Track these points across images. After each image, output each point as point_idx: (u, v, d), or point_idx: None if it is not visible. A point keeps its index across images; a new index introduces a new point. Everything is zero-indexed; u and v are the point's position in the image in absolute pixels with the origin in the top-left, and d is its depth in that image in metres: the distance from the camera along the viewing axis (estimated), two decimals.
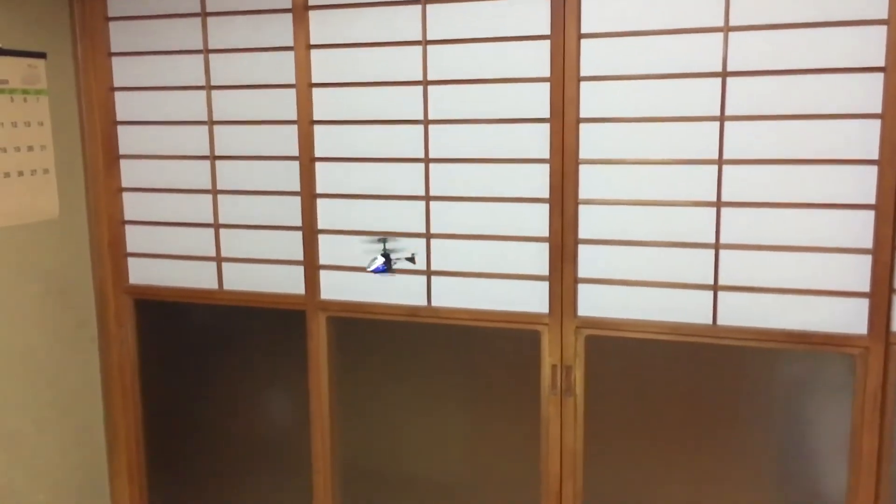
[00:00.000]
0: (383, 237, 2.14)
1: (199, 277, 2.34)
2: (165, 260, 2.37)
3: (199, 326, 2.41)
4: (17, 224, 2.12)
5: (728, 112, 1.81)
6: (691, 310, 1.90)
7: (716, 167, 1.84)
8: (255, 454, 2.40)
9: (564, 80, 1.90)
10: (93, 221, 2.36)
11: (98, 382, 2.43)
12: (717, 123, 1.82)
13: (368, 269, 2.15)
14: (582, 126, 1.92)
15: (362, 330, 2.22)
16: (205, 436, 2.45)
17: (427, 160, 2.06)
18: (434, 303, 2.12)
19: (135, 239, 2.40)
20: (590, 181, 1.94)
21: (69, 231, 2.29)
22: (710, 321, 1.89)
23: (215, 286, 2.33)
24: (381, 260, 2.16)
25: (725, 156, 1.83)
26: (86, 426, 2.38)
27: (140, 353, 2.46)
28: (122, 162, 2.37)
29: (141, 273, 2.41)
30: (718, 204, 1.85)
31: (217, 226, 2.30)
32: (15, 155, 2.10)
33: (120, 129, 2.35)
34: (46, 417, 2.23)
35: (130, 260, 2.41)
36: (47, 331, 2.23)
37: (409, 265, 2.12)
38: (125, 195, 2.38)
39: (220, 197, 2.28)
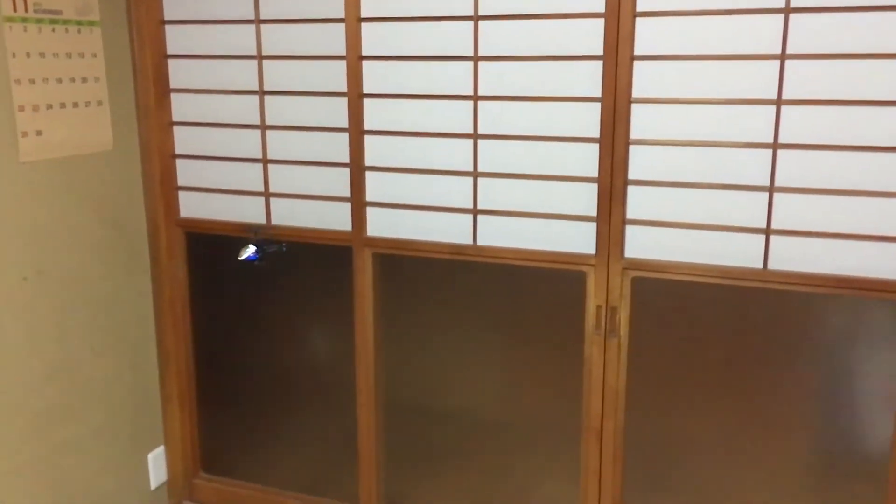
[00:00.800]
0: (257, 227, 2.27)
1: (248, 212, 2.37)
2: (215, 194, 2.40)
3: (247, 260, 2.45)
4: (73, 154, 2.16)
5: (789, 50, 1.76)
6: (741, 253, 1.88)
7: (773, 107, 1.79)
8: (300, 386, 2.46)
9: (619, 16, 1.85)
10: (144, 154, 2.39)
11: (150, 312, 2.50)
12: (777, 62, 1.77)
13: (240, 258, 2.28)
14: (636, 64, 1.88)
15: (407, 267, 2.24)
16: (252, 366, 2.52)
17: (476, 98, 2.04)
18: (479, 242, 2.13)
19: (185, 173, 2.43)
20: (641, 121, 1.91)
21: (122, 163, 2.33)
22: (760, 265, 1.86)
23: (264, 221, 2.36)
24: (252, 249, 2.30)
25: (784, 96, 1.78)
26: (139, 354, 2.47)
27: (190, 285, 2.53)
28: (173, 96, 2.39)
29: (191, 207, 2.45)
30: (775, 146, 1.80)
31: (265, 161, 2.32)
32: (70, 86, 2.13)
33: (171, 62, 2.36)
34: (102, 344, 2.31)
35: (181, 193, 2.45)
36: (103, 260, 2.29)
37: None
38: (176, 129, 2.41)
39: (268, 132, 2.30)
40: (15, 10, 1.96)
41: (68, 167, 2.15)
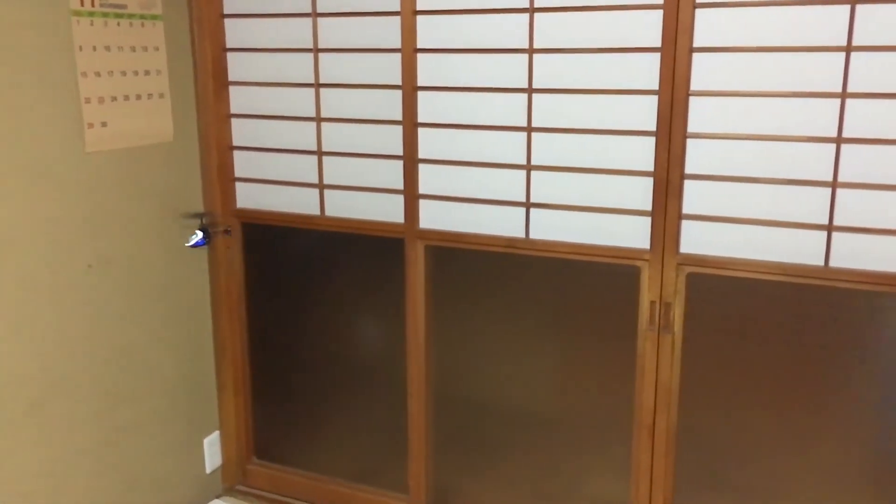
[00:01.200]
0: (201, 214, 2.32)
1: (302, 203, 2.41)
2: (271, 185, 2.44)
3: (301, 251, 2.49)
4: (135, 146, 2.22)
5: (855, 42, 1.71)
6: (802, 250, 1.83)
7: (838, 101, 1.74)
8: (352, 376, 2.49)
9: (679, 6, 1.82)
10: (203, 146, 2.45)
11: (207, 301, 2.56)
12: (843, 54, 1.72)
13: (188, 244, 2.34)
14: (695, 55, 1.85)
15: (459, 259, 2.25)
16: (305, 356, 2.56)
17: (530, 90, 2.04)
18: (532, 235, 2.12)
19: (242, 164, 2.48)
20: (699, 114, 1.88)
21: (181, 154, 2.39)
22: (821, 262, 1.82)
23: (317, 212, 2.39)
24: (199, 235, 2.36)
25: (849, 89, 1.73)
26: (196, 341, 2.53)
27: (246, 274, 2.58)
28: (231, 88, 2.43)
29: (247, 197, 2.49)
30: (839, 140, 1.76)
31: (320, 153, 2.35)
32: (133, 79, 2.18)
33: (229, 55, 2.41)
34: (161, 330, 2.37)
35: (238, 185, 2.50)
36: (163, 249, 2.35)
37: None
38: (233, 121, 2.46)
39: (323, 125, 2.32)
40: (82, 4, 2.02)
41: (131, 158, 2.21)
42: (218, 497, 2.64)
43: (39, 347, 2.00)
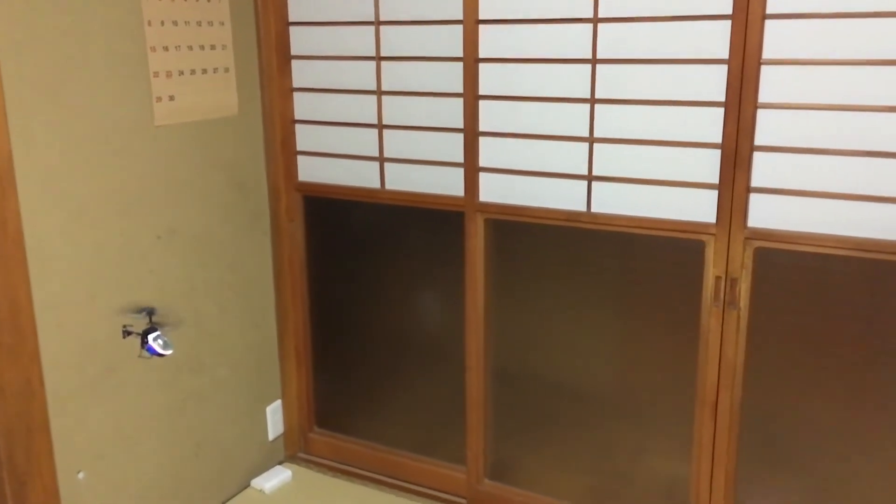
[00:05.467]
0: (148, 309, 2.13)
1: (363, 176, 2.43)
2: (332, 159, 2.47)
3: (361, 224, 2.52)
4: (202, 119, 2.26)
5: None
6: (878, 224, 1.77)
7: None
8: (411, 348, 2.52)
9: None
10: (266, 119, 2.48)
11: (270, 272, 2.61)
12: None
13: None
14: (767, 22, 1.79)
15: (519, 233, 2.24)
16: (365, 328, 2.59)
17: (594, 61, 2.00)
18: (594, 209, 2.10)
19: (304, 138, 2.51)
20: (771, 83, 1.81)
21: (246, 128, 2.43)
22: None
23: (378, 185, 2.41)
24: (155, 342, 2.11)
25: None
26: (260, 311, 2.58)
27: (308, 246, 2.61)
28: (294, 62, 2.45)
29: (309, 171, 2.52)
30: None
31: (381, 126, 2.35)
32: (199, 53, 2.22)
33: (292, 29, 2.43)
34: (227, 300, 2.43)
35: (300, 158, 2.53)
36: (228, 220, 2.40)
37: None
38: (296, 95, 2.48)
39: (384, 98, 2.33)
40: None
41: (197, 131, 2.26)
42: (280, 463, 2.71)
43: (112, 315, 2.07)
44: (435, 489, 2.53)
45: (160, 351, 2.09)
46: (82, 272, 1.98)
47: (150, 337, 2.08)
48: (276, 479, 2.60)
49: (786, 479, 2.02)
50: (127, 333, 2.08)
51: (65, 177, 1.92)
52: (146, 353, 2.10)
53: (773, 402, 2.00)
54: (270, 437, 2.68)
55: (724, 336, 1.99)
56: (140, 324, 2.10)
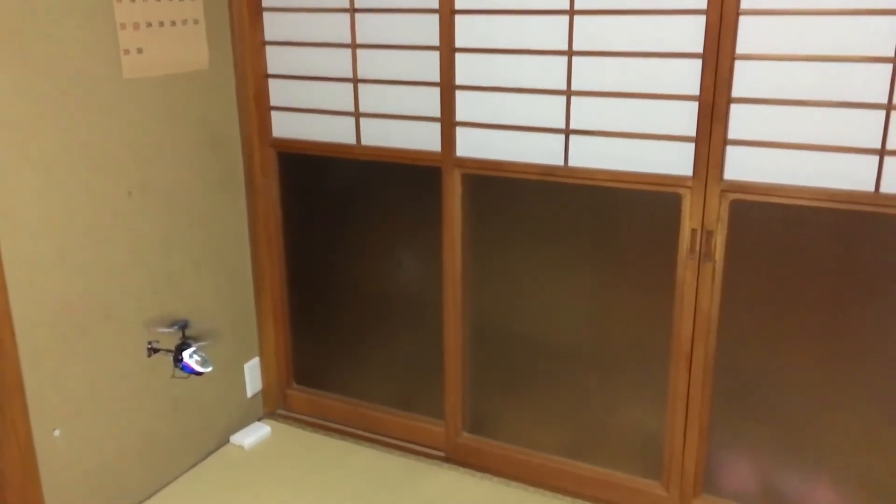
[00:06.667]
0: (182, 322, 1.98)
1: (338, 132, 2.39)
2: (306, 114, 2.43)
3: (338, 180, 2.49)
4: (171, 73, 2.21)
5: None
6: (851, 176, 1.78)
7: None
8: (389, 304, 2.51)
9: None
10: (238, 74, 2.43)
11: (245, 230, 2.58)
12: None
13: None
14: None
15: (497, 188, 2.23)
16: (343, 284, 2.58)
17: (571, 12, 1.97)
18: (571, 163, 2.09)
19: (278, 93, 2.46)
20: (749, 34, 1.80)
21: (217, 82, 2.38)
22: (871, 188, 1.76)
23: (353, 141, 2.38)
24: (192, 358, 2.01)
25: None
26: (235, 270, 2.56)
27: (283, 203, 2.59)
28: (266, 15, 2.40)
29: (284, 126, 2.48)
30: None
31: (356, 80, 2.32)
32: (167, 4, 2.16)
33: None
34: (202, 258, 2.40)
35: (274, 113, 2.48)
36: (201, 178, 2.36)
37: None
38: (268, 49, 2.43)
39: (359, 52, 2.29)
40: None
41: (167, 85, 2.20)
42: (259, 420, 2.71)
43: (83, 273, 2.04)
44: (413, 442, 2.55)
45: (198, 369, 1.92)
46: (52, 229, 1.95)
47: (186, 354, 1.93)
48: (255, 434, 2.60)
49: (758, 429, 2.06)
50: (153, 351, 1.91)
51: (31, 132, 1.87)
52: (181, 373, 1.94)
53: (747, 353, 2.02)
54: (249, 393, 2.68)
55: (699, 289, 2.00)
56: (166, 340, 1.90)
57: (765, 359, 2.01)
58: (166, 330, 1.92)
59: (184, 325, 1.94)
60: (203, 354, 1.94)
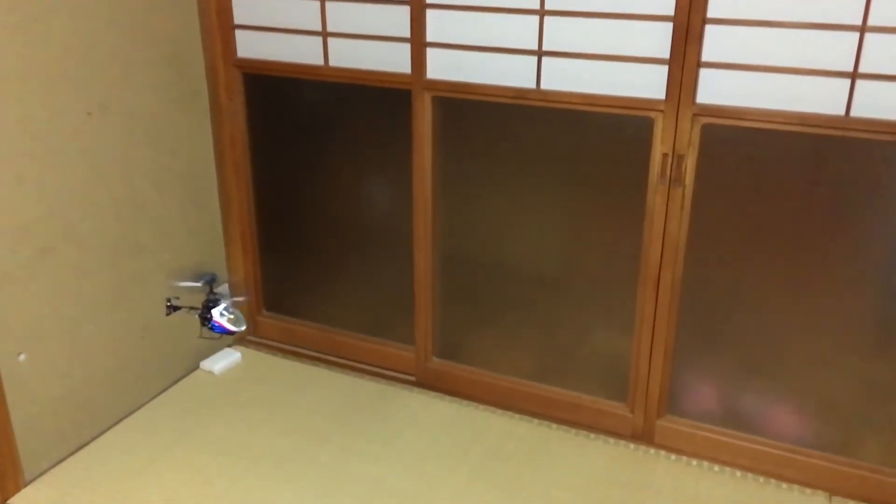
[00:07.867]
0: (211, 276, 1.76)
1: (305, 52, 2.32)
2: (272, 33, 2.35)
3: (305, 103, 2.43)
4: None
5: None
6: (823, 99, 1.77)
7: None
8: (359, 230, 2.49)
9: None
10: None
11: (211, 153, 2.52)
12: None
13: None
14: None
15: (468, 112, 2.19)
16: (311, 209, 2.55)
17: None
18: (543, 86, 2.05)
19: (242, 11, 2.37)
20: None
21: None
22: (842, 112, 1.76)
23: (321, 62, 2.31)
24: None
25: None
26: (202, 194, 2.51)
27: (249, 126, 2.52)
28: None
29: (249, 46, 2.40)
30: None
31: None
32: None
33: None
34: (166, 182, 2.35)
35: (238, 32, 2.40)
36: (164, 98, 2.29)
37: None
38: None
39: None
40: None
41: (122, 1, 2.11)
42: (229, 346, 2.71)
43: (43, 194, 1.99)
44: (384, 368, 2.57)
45: (231, 328, 1.73)
46: (7, 151, 1.88)
47: (216, 312, 1.74)
48: (225, 360, 2.60)
49: (721, 352, 2.10)
50: (173, 308, 1.68)
51: None
52: (211, 333, 1.71)
53: (713, 278, 2.05)
54: None
55: (668, 214, 2.01)
56: (190, 298, 1.65)
57: (731, 284, 2.03)
58: (191, 284, 1.73)
59: (211, 280, 1.76)
60: (235, 311, 1.76)
